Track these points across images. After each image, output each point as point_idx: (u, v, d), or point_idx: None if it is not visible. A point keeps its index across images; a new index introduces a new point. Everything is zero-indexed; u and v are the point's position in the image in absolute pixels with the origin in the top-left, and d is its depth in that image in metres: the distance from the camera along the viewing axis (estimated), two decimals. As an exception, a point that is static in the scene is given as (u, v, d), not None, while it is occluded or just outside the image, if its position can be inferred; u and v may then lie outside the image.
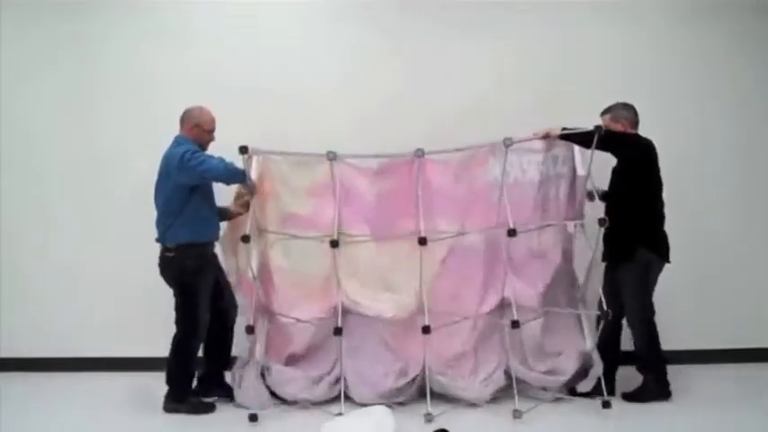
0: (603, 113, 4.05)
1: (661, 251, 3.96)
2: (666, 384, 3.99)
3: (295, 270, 4.40)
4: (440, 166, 4.32)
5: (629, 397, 4.02)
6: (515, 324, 4.10)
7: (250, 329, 4.07)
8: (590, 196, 4.14)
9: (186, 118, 3.81)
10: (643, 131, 4.03)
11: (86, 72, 4.71)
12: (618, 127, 3.96)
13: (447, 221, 4.35)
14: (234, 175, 3.85)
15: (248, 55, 4.69)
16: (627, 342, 4.16)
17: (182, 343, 3.81)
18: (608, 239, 3.99)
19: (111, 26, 4.71)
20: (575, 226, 4.30)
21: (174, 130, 3.95)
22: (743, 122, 4.77)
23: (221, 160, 3.77)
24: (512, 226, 4.01)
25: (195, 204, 3.78)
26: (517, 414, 3.94)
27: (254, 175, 4.15)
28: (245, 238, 4.00)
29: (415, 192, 4.23)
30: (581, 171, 4.18)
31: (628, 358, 4.13)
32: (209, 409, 3.86)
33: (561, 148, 4.22)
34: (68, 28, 4.69)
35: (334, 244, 4.16)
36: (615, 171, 4.07)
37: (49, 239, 4.72)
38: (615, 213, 3.94)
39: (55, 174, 4.71)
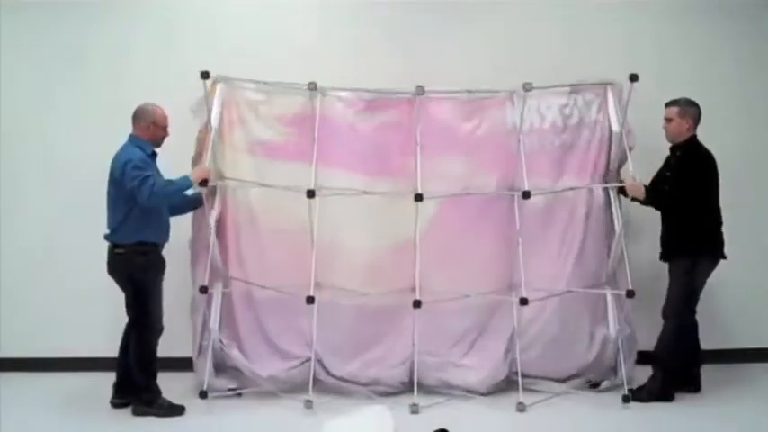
0: (669, 105, 3.75)
1: (710, 251, 3.71)
2: (671, 387, 3.71)
3: (263, 224, 3.82)
4: (447, 104, 3.88)
5: (631, 395, 3.67)
6: (524, 301, 3.54)
7: (204, 289, 3.73)
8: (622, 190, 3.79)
9: (141, 117, 3.71)
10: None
11: (72, 72, 4.47)
12: (683, 123, 3.70)
13: (451, 164, 3.81)
14: (175, 196, 3.64)
15: (242, 56, 4.33)
16: (645, 341, 3.89)
17: (139, 340, 3.64)
18: (662, 238, 3.78)
19: (100, 26, 4.48)
20: (604, 190, 3.85)
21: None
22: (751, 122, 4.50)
23: (161, 188, 3.52)
24: (526, 187, 3.57)
25: (143, 208, 3.62)
26: (521, 407, 3.50)
27: (217, 103, 3.81)
28: (203, 183, 3.59)
29: (414, 134, 3.76)
30: (616, 127, 3.75)
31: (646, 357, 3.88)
32: (179, 411, 3.63)
33: (590, 92, 3.85)
34: (57, 27, 4.46)
35: (311, 194, 3.49)
36: (668, 177, 3.75)
37: (46, 240, 4.47)
38: (669, 214, 3.75)
39: (51, 175, 4.47)
